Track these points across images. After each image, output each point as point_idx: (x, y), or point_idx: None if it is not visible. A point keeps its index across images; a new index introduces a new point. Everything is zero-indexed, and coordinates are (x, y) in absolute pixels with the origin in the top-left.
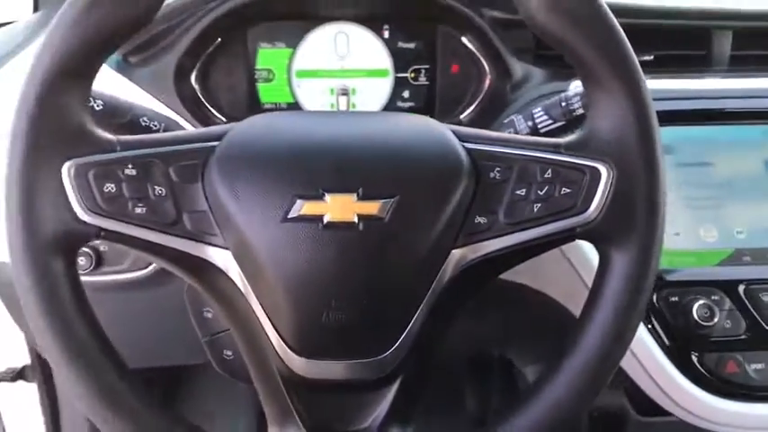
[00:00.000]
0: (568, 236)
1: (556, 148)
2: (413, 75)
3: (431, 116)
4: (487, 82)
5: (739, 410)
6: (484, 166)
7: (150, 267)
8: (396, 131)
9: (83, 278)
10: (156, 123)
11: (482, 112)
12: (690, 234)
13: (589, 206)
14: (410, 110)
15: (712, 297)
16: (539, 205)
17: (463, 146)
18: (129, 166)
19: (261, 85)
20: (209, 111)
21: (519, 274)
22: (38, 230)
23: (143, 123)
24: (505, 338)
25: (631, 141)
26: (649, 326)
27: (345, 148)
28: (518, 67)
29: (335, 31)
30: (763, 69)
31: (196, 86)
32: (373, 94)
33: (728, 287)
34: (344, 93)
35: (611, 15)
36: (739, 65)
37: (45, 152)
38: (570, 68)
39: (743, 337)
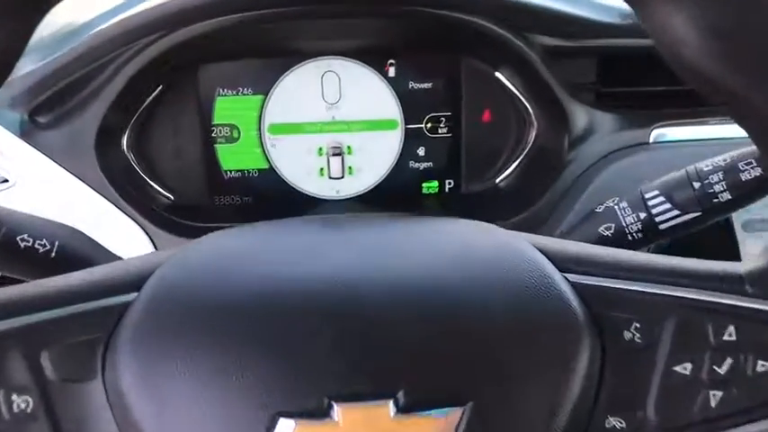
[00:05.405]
0: None
1: (736, 285)
2: (429, 125)
3: (457, 184)
4: (533, 133)
5: None
6: (612, 322)
7: None
8: (457, 267)
9: None
10: (43, 243)
11: (527, 176)
12: None
13: None
14: (427, 171)
15: None
16: (718, 395)
17: (569, 282)
18: None
19: (221, 147)
20: (150, 188)
21: None
22: None
23: (22, 245)
24: None
25: None
26: None
27: (366, 306)
28: (579, 113)
29: (323, 70)
30: None
31: (129, 154)
32: (377, 153)
33: None
34: (338, 153)
35: None
36: None
37: None
38: (652, 109)
39: None
